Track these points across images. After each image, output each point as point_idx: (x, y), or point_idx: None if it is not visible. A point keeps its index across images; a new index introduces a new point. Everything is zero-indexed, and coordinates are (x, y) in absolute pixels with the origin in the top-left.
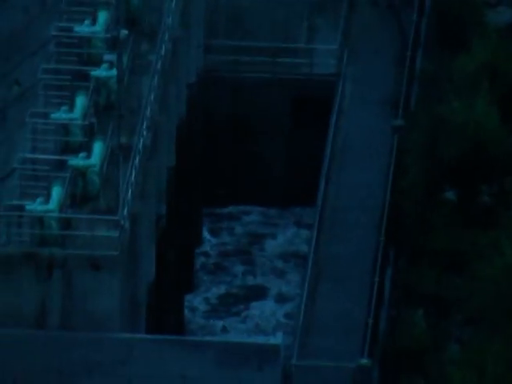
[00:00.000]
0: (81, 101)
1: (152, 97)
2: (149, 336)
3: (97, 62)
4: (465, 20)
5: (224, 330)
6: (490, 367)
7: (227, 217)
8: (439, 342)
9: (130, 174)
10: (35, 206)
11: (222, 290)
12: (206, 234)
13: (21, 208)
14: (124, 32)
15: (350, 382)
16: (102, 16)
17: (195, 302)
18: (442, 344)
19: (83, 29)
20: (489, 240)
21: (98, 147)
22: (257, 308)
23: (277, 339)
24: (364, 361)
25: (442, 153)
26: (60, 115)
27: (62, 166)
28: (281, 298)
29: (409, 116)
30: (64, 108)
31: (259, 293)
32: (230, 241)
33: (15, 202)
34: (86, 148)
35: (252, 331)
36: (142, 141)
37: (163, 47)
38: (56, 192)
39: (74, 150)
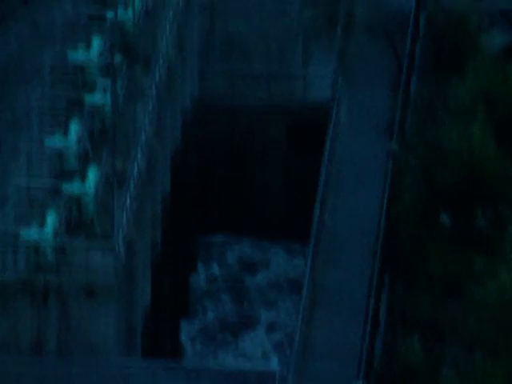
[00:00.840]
0: (75, 127)
1: (147, 123)
2: (145, 362)
3: (91, 89)
4: (459, 44)
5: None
6: None
7: (221, 245)
8: (435, 366)
9: (125, 200)
10: (30, 233)
11: (215, 317)
12: (199, 262)
13: (16, 235)
14: (118, 58)
15: None
16: (97, 41)
17: (189, 329)
18: (438, 368)
19: (78, 56)
20: (484, 264)
21: (92, 173)
22: (248, 336)
23: (272, 366)
24: None
25: (436, 177)
26: (54, 142)
27: (56, 192)
28: (273, 327)
29: (404, 141)
30: (58, 134)
31: (251, 321)
32: (222, 269)
33: (10, 229)
34: (81, 174)
35: (246, 357)
36: (136, 167)
37: (157, 73)
38: (51, 218)
39: (68, 176)
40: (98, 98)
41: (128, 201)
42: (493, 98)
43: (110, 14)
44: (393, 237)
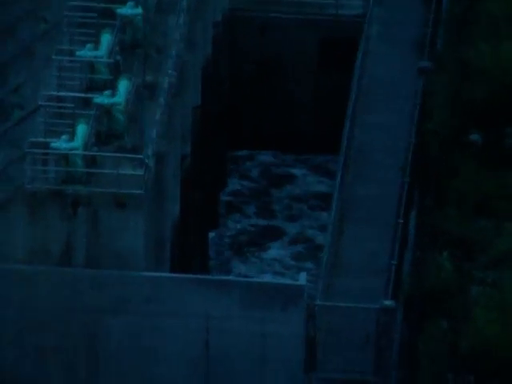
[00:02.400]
0: (106, 38)
1: (178, 35)
2: (174, 275)
3: (123, 0)
4: None
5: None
6: None
7: (249, 159)
8: (463, 284)
9: (155, 113)
10: (60, 144)
11: (241, 230)
12: (229, 175)
13: (46, 145)
14: None
15: (374, 322)
16: None
17: (217, 242)
18: (466, 286)
19: None
20: None
21: (123, 85)
22: (274, 249)
23: (301, 280)
24: (388, 302)
25: (468, 95)
26: (85, 53)
27: (87, 103)
28: (299, 241)
29: (435, 58)
30: (89, 46)
31: (277, 234)
32: (250, 183)
33: (40, 140)
34: (112, 86)
35: (270, 271)
36: (167, 79)
37: None
38: (81, 130)
39: (99, 87)
40: (129, 9)
41: (158, 113)
42: None
43: None
44: (423, 154)
